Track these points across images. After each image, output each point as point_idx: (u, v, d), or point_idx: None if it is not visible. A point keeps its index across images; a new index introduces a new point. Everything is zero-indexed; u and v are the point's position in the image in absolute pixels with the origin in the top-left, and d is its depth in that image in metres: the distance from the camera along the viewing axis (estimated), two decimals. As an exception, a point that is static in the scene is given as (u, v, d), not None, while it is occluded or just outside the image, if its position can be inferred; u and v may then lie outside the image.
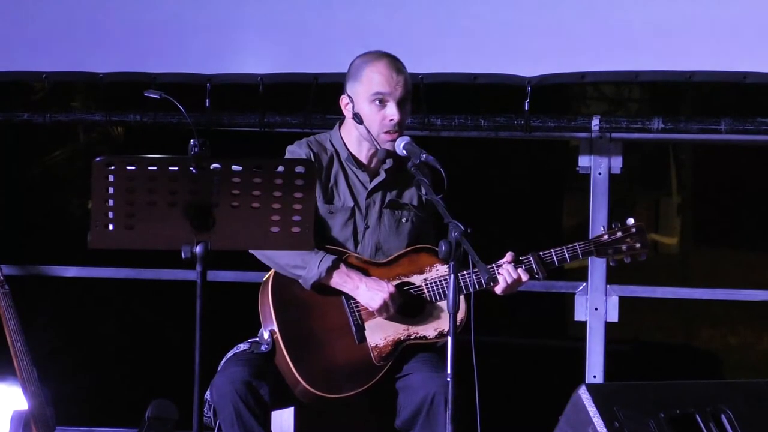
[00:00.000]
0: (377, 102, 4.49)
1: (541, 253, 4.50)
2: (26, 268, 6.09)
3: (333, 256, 4.45)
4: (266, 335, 4.44)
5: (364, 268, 4.50)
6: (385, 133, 4.49)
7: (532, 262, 4.48)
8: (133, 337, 8.18)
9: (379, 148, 4.51)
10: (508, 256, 4.49)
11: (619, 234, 4.57)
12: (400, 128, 4.50)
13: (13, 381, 5.18)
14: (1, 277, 5.27)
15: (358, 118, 4.51)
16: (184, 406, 4.43)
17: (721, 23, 5.53)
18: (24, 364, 5.14)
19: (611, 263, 4.60)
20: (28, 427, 5.11)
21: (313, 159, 4.53)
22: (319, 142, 4.63)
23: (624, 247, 4.57)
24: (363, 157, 4.60)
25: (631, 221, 4.58)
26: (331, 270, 4.43)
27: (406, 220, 4.61)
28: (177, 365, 4.94)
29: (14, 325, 5.19)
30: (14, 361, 5.16)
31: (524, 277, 4.47)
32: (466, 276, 4.41)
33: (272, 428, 4.42)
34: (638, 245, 4.58)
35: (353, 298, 4.47)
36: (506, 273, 4.45)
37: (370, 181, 4.59)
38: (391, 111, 4.49)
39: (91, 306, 7.78)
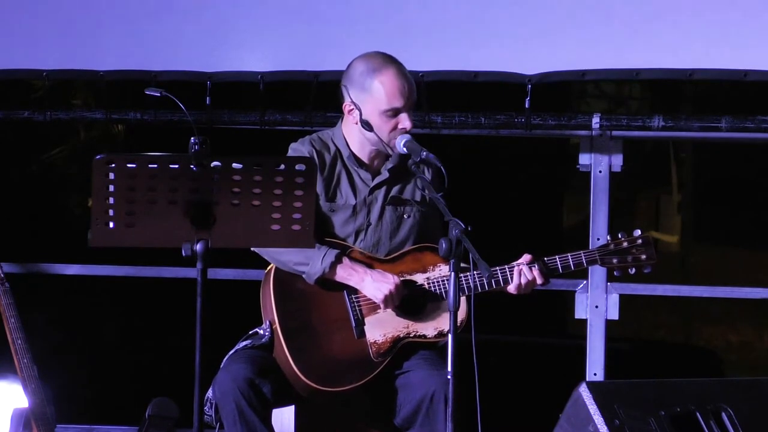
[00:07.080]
0: (390, 113, 4.48)
1: (545, 259, 4.49)
2: (27, 266, 6.08)
3: (336, 251, 4.44)
4: (265, 326, 4.44)
5: (368, 263, 4.49)
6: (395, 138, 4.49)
7: (537, 267, 4.47)
8: (134, 335, 8.18)
9: (391, 153, 4.51)
10: (525, 257, 4.49)
11: (626, 245, 4.55)
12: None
13: (13, 379, 5.17)
14: (2, 275, 5.26)
15: (367, 126, 4.48)
16: (184, 404, 4.42)
17: (721, 21, 5.52)
18: (24, 362, 5.14)
19: (615, 273, 4.57)
20: (28, 425, 5.10)
21: (316, 157, 4.52)
22: (322, 139, 4.61)
23: (629, 258, 4.55)
24: (365, 157, 4.58)
25: (638, 232, 4.55)
26: (335, 265, 4.42)
27: (409, 216, 4.60)
28: (177, 363, 4.94)
29: (14, 322, 5.18)
30: (15, 358, 5.15)
31: (539, 280, 4.47)
32: (469, 277, 4.40)
33: (272, 426, 4.42)
34: (644, 257, 4.55)
35: (355, 293, 4.47)
36: (520, 274, 4.44)
37: (372, 180, 4.59)
38: (405, 121, 4.47)
39: (91, 304, 7.78)
